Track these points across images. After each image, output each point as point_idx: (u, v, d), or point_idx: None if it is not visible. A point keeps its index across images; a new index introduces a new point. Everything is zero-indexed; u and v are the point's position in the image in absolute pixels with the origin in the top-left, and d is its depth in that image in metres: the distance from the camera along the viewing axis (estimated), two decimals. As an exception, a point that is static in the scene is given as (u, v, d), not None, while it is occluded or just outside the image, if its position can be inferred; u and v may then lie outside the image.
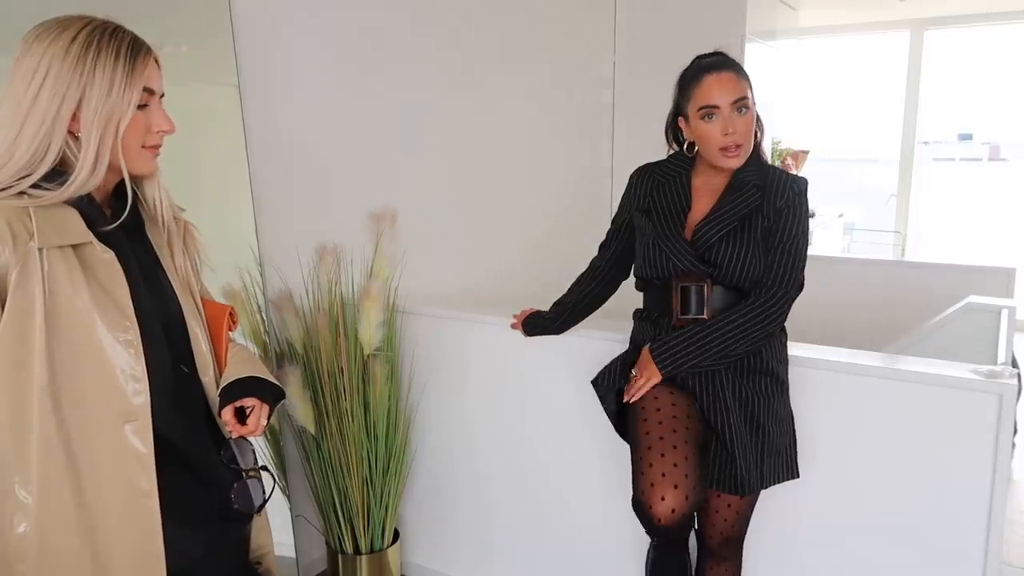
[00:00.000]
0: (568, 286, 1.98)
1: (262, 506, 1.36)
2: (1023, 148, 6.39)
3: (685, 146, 1.70)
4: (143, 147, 1.18)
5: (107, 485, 1.15)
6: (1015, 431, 1.67)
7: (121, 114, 1.13)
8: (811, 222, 6.10)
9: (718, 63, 1.61)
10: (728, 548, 1.74)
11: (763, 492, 1.80)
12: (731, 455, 1.61)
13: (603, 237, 1.92)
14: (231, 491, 1.30)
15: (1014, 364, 2.59)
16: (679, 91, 1.66)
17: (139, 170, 1.19)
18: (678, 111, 1.68)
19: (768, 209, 1.63)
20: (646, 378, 1.62)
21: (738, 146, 1.59)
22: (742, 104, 1.58)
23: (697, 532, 1.77)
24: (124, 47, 1.13)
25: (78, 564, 1.15)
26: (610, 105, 4.01)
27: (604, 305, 1.98)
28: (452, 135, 2.98)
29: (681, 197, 1.69)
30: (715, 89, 1.58)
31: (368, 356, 2.19)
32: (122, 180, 1.24)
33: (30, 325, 1.09)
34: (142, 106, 1.15)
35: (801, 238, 1.64)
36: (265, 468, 1.37)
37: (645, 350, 1.65)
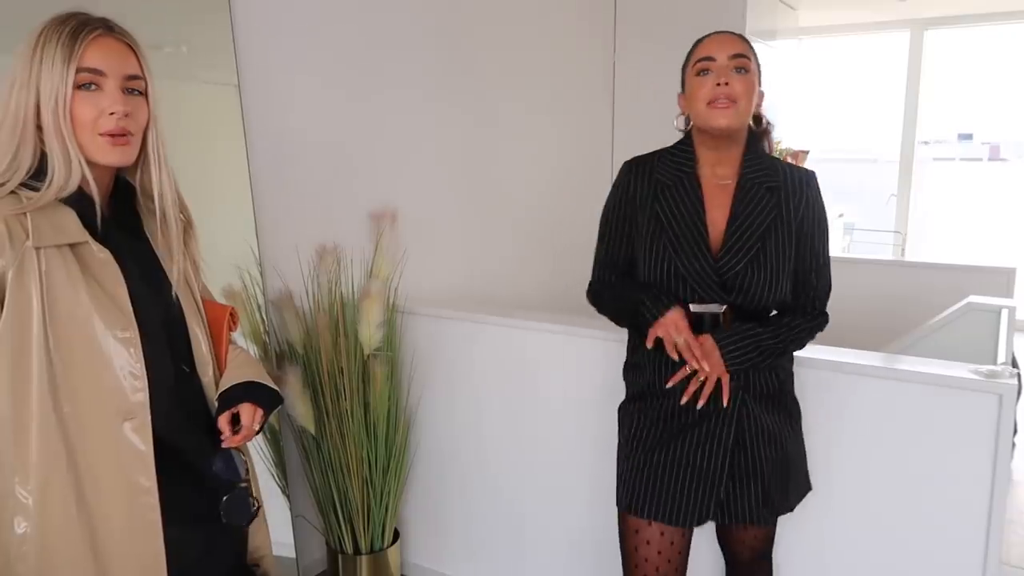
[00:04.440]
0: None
1: (249, 521, 1.35)
2: (1023, 148, 6.39)
3: (681, 121, 1.56)
4: (100, 134, 1.13)
5: (107, 484, 1.16)
6: (1015, 431, 1.67)
7: (60, 95, 1.10)
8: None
9: (723, 30, 1.52)
10: (762, 561, 1.70)
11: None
12: (765, 490, 1.52)
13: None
14: (219, 504, 1.29)
15: (1014, 364, 2.59)
16: (683, 67, 1.55)
17: (104, 160, 1.15)
18: (683, 82, 1.55)
19: (788, 216, 1.50)
20: (715, 372, 1.44)
21: (731, 101, 1.42)
22: (742, 63, 1.44)
23: (726, 550, 1.71)
24: (66, 30, 1.11)
25: (79, 564, 1.15)
26: (610, 105, 4.01)
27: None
28: (452, 135, 2.98)
29: (694, 202, 1.50)
30: (713, 42, 1.47)
31: (368, 356, 2.19)
32: (122, 179, 1.24)
33: (28, 324, 1.09)
34: (87, 86, 1.12)
35: (828, 243, 1.55)
36: (247, 483, 1.34)
37: (708, 340, 1.45)
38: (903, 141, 6.04)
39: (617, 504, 1.59)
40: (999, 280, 3.36)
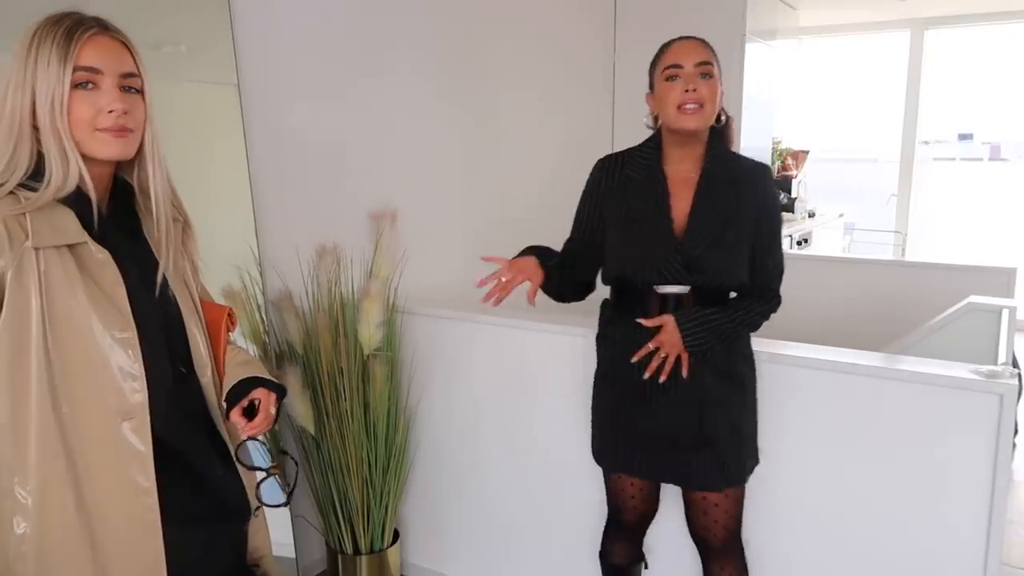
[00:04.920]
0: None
1: (286, 503, 1.37)
2: (1023, 148, 6.38)
3: (651, 119, 1.71)
4: (97, 130, 1.13)
5: (106, 484, 1.16)
6: (1015, 431, 1.67)
7: (56, 95, 1.10)
8: (810, 222, 6.07)
9: (689, 36, 1.66)
10: (730, 542, 1.74)
11: (764, 493, 1.80)
12: (720, 458, 1.66)
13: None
14: (256, 490, 1.33)
15: (1014, 364, 2.59)
16: (651, 67, 1.69)
17: (103, 154, 1.15)
18: (651, 84, 1.70)
19: (746, 205, 1.64)
20: (674, 350, 1.60)
21: (698, 105, 1.58)
22: (706, 70, 1.59)
23: (697, 538, 1.77)
24: (61, 29, 1.11)
25: (78, 564, 1.15)
26: (610, 105, 4.01)
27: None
28: (452, 135, 2.98)
29: (660, 194, 1.65)
30: (680, 50, 1.61)
31: (368, 356, 2.19)
32: (120, 179, 1.24)
33: (27, 325, 1.09)
34: (84, 85, 1.12)
35: (780, 231, 1.71)
36: (285, 454, 1.38)
37: (670, 321, 1.60)
38: (903, 141, 6.04)
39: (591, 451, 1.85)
40: (999, 280, 3.36)
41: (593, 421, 1.84)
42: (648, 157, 1.70)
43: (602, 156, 1.78)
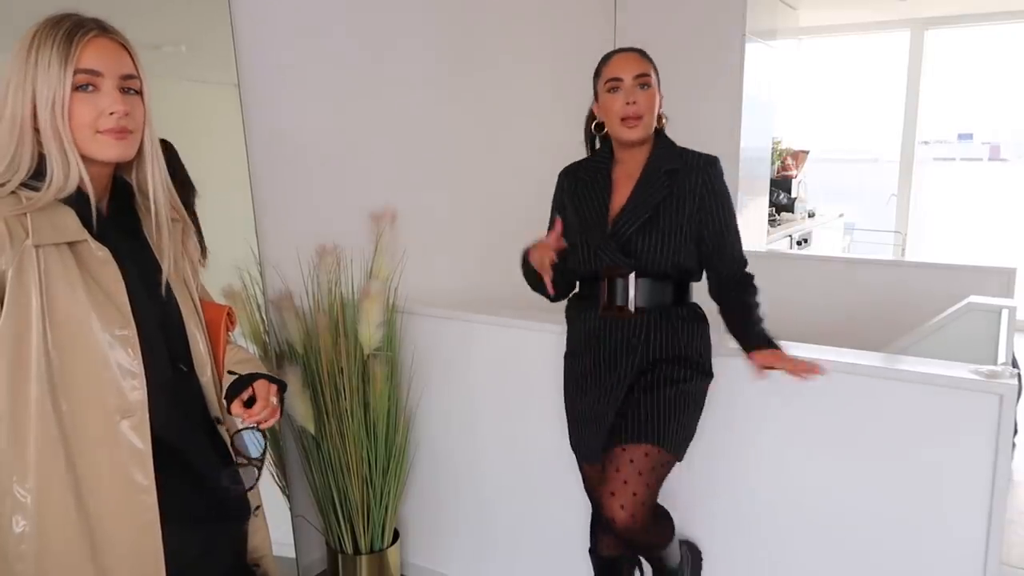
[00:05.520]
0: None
1: (246, 492, 1.35)
2: (1023, 148, 6.38)
3: (594, 125, 1.84)
4: (98, 132, 1.13)
5: (105, 482, 1.16)
6: (1015, 431, 1.67)
7: (57, 98, 1.10)
8: (810, 222, 6.06)
9: (627, 48, 1.79)
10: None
11: (756, 490, 1.80)
12: (649, 414, 1.71)
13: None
14: (233, 439, 1.31)
15: (1014, 364, 2.59)
16: (594, 78, 1.82)
17: (103, 155, 1.15)
18: (595, 94, 1.83)
19: (682, 192, 1.74)
20: (789, 364, 1.69)
21: (638, 117, 1.72)
22: (644, 80, 1.73)
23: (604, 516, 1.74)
24: (61, 32, 1.11)
25: (77, 562, 1.15)
26: (610, 105, 4.00)
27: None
28: (452, 135, 2.98)
29: (602, 191, 1.80)
30: (619, 64, 1.76)
31: (368, 356, 2.19)
32: (120, 179, 1.24)
33: (27, 323, 1.10)
34: (84, 87, 1.12)
35: (732, 215, 1.79)
36: (261, 460, 1.35)
37: (773, 354, 1.70)
38: (903, 141, 6.04)
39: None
40: (999, 280, 3.35)
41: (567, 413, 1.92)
42: (599, 162, 1.85)
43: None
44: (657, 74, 1.78)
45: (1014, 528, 2.81)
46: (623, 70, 1.74)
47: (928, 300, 3.27)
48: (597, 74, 1.81)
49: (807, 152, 5.93)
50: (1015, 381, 1.61)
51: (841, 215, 6.29)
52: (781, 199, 5.57)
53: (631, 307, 1.73)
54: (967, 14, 5.67)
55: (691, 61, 3.88)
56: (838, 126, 6.84)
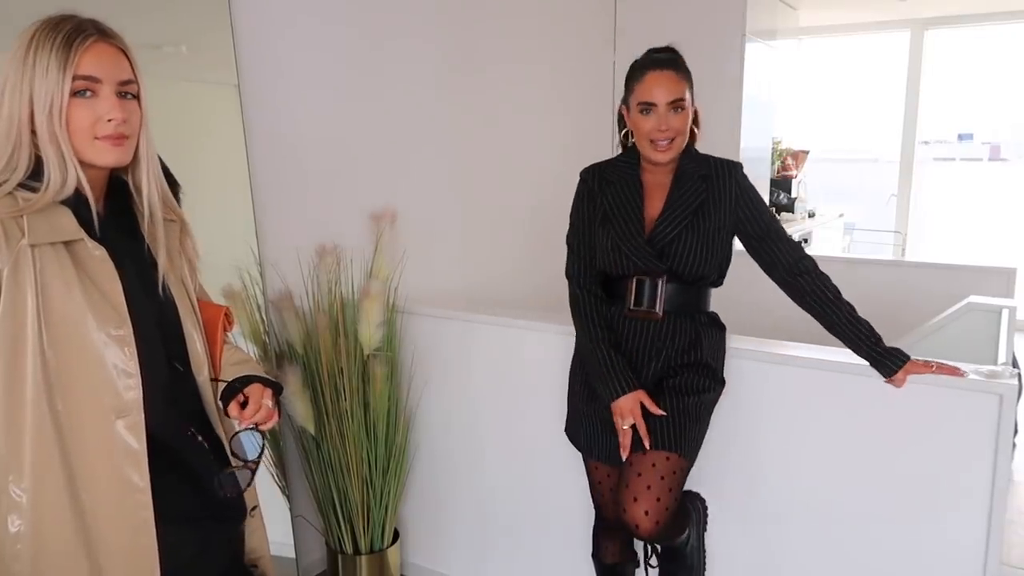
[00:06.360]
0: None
1: (239, 494, 1.33)
2: (1023, 148, 6.38)
3: (622, 133, 1.82)
4: (96, 138, 1.13)
5: (100, 481, 1.16)
6: (1015, 431, 1.67)
7: (55, 103, 1.10)
8: (810, 222, 6.06)
9: (663, 61, 1.70)
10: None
11: (758, 490, 1.80)
12: (673, 421, 1.68)
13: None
14: (231, 441, 1.30)
15: (1014, 364, 2.59)
16: (626, 81, 1.75)
17: (101, 161, 1.15)
18: (626, 100, 1.77)
19: (718, 197, 1.73)
20: (917, 368, 1.67)
21: (669, 142, 1.69)
22: (679, 104, 1.68)
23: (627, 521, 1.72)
24: (60, 36, 1.11)
25: (73, 561, 1.15)
26: (610, 105, 4.01)
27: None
28: (452, 135, 2.98)
29: (634, 195, 1.76)
30: (654, 88, 1.68)
31: (368, 356, 2.19)
32: (117, 179, 1.24)
33: (23, 322, 1.10)
34: (83, 93, 1.12)
35: (768, 208, 1.79)
36: (256, 463, 1.34)
37: (911, 367, 1.67)
38: (903, 141, 6.04)
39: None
40: (999, 280, 3.35)
41: (568, 404, 1.91)
42: (627, 164, 1.81)
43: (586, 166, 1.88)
44: (691, 86, 1.72)
45: (1014, 528, 2.81)
46: (657, 95, 1.67)
47: (928, 300, 3.27)
48: (630, 86, 1.74)
49: (807, 152, 5.93)
50: (1015, 381, 1.61)
51: (841, 215, 6.29)
52: (781, 199, 5.57)
53: (659, 310, 1.71)
54: (967, 14, 5.67)
55: (691, 61, 3.85)
56: (838, 126, 6.84)
